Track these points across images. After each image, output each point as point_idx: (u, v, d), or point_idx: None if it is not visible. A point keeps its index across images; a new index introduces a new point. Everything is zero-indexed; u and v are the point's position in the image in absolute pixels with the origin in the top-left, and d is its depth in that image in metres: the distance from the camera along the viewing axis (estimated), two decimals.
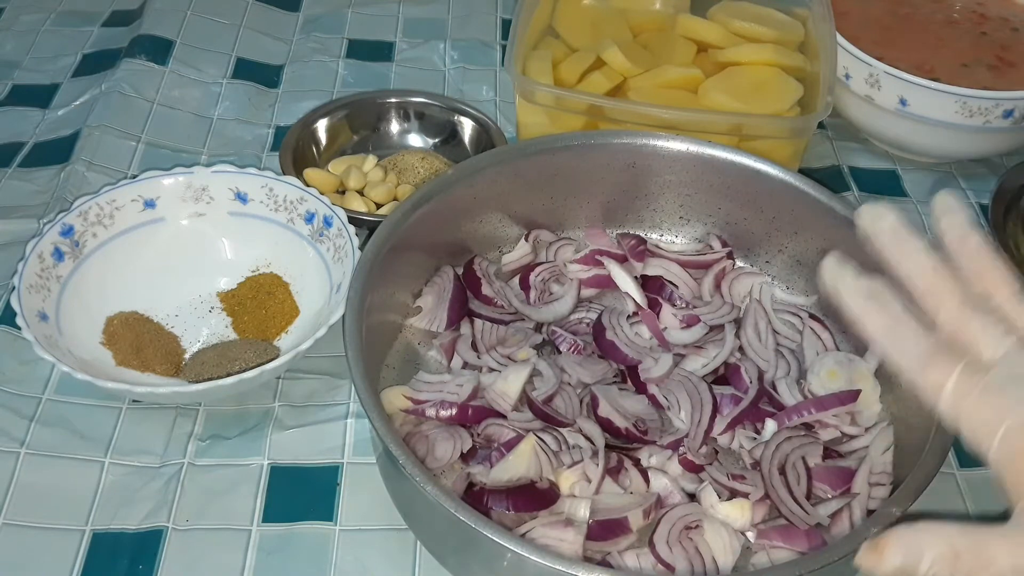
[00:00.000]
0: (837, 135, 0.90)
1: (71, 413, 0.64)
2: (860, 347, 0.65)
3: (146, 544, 0.57)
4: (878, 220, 0.44)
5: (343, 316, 0.57)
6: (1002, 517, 0.40)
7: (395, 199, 0.77)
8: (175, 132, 0.86)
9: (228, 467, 0.61)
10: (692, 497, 0.58)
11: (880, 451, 0.59)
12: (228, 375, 0.61)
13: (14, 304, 0.61)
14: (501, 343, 0.66)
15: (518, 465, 0.56)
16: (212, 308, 0.70)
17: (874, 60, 0.80)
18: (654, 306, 0.68)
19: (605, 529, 0.54)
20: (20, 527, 0.58)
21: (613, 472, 0.57)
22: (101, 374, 0.61)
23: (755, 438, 0.61)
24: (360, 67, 0.95)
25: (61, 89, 0.91)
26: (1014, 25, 0.89)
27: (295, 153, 0.78)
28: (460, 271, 0.69)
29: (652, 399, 0.62)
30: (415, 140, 0.85)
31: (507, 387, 0.60)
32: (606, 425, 0.59)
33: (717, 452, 0.60)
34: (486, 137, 0.81)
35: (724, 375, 0.64)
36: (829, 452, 0.60)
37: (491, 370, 0.63)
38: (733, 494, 0.57)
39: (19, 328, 0.61)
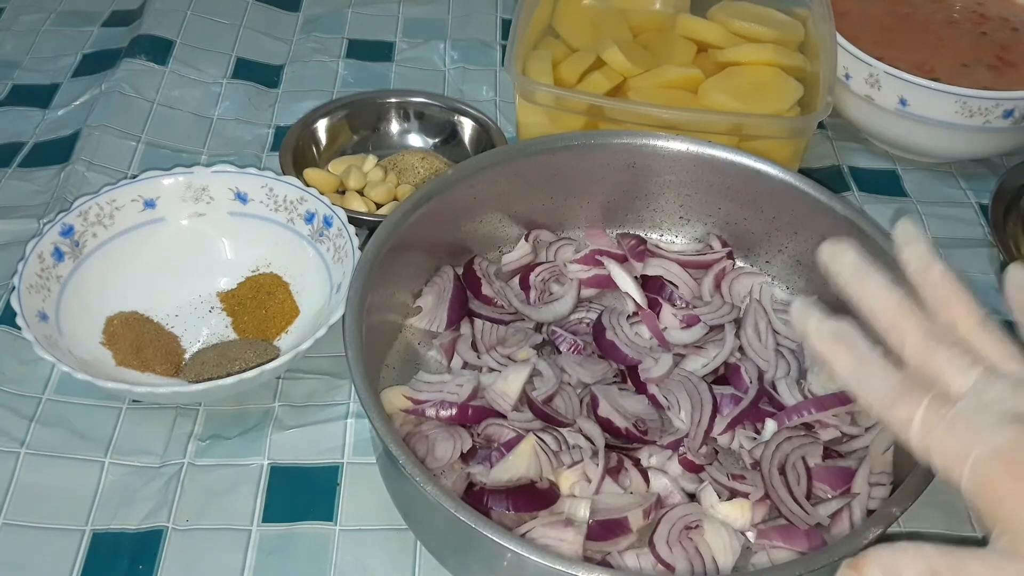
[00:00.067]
0: (837, 135, 0.90)
1: (71, 413, 0.64)
2: None
3: (146, 544, 0.57)
4: (838, 257, 0.44)
5: (343, 316, 0.57)
6: (982, 542, 0.40)
7: (395, 199, 0.77)
8: (175, 132, 0.86)
9: (228, 467, 0.61)
10: (692, 497, 0.58)
11: (880, 451, 0.59)
12: (228, 375, 0.61)
13: (14, 304, 0.61)
14: (501, 343, 0.66)
15: (518, 465, 0.56)
16: (212, 308, 0.70)
17: (874, 60, 0.79)
18: (654, 306, 0.68)
19: (605, 529, 0.54)
20: (20, 527, 0.58)
21: (613, 472, 0.57)
22: (101, 374, 0.61)
23: (755, 438, 0.61)
24: (360, 67, 0.95)
25: (61, 89, 0.91)
26: (1014, 25, 0.89)
27: (295, 153, 0.78)
28: (460, 271, 0.69)
29: (652, 399, 0.62)
30: (415, 140, 0.85)
31: (507, 387, 0.60)
32: (606, 425, 0.59)
33: (717, 452, 0.60)
34: (486, 137, 0.81)
35: (724, 375, 0.64)
36: (829, 452, 0.60)
37: (491, 370, 0.63)
38: (733, 494, 0.57)
39: (19, 328, 0.61)
